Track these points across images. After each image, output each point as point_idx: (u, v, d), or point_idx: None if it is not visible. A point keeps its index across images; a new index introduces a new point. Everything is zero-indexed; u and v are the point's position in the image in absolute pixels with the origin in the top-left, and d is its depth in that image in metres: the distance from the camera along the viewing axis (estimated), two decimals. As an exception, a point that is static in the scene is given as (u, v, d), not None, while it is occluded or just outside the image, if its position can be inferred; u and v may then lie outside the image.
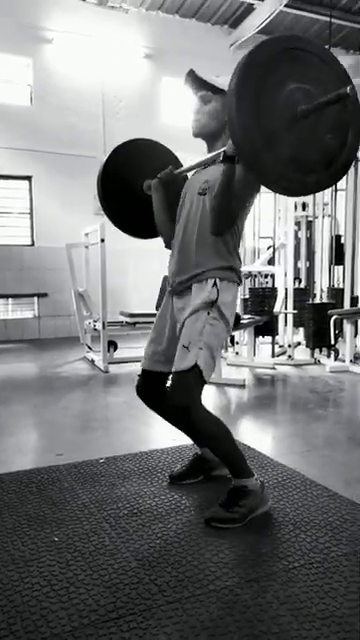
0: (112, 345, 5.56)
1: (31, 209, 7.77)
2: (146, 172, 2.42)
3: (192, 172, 2.28)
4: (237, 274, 2.14)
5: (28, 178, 7.70)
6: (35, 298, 7.81)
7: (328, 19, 7.71)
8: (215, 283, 2.07)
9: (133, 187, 2.44)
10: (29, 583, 1.68)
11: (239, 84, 1.64)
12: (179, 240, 2.18)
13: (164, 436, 3.20)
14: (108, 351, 5.38)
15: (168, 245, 2.32)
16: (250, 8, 8.14)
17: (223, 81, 2.07)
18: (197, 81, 2.12)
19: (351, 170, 5.62)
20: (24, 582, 1.68)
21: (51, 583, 1.68)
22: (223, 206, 1.99)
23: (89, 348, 6.01)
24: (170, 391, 2.10)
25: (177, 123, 8.39)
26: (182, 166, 2.42)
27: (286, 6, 7.84)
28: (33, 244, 7.78)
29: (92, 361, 5.65)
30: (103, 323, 5.30)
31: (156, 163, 2.40)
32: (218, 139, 2.14)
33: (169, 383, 2.14)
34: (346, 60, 8.43)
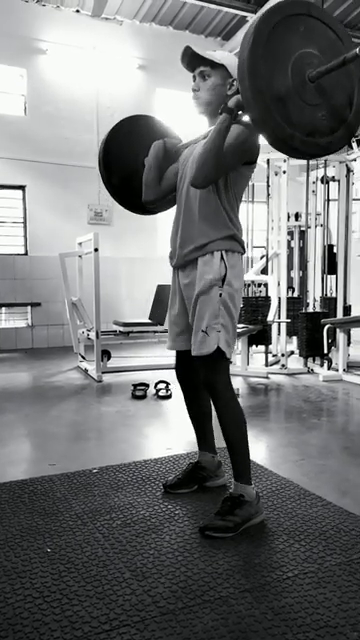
0: (106, 354, 5.55)
1: (25, 218, 7.78)
2: (147, 147, 2.41)
3: (187, 146, 2.29)
4: (241, 243, 2.15)
5: (22, 187, 7.71)
6: (28, 307, 7.79)
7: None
8: (222, 257, 2.08)
9: (134, 161, 2.44)
10: (21, 595, 1.66)
11: (257, 33, 1.65)
12: (181, 212, 2.20)
13: (158, 445, 3.19)
14: (102, 360, 5.37)
15: (148, 202, 2.37)
16: (243, 20, 8.21)
17: (220, 56, 2.11)
18: (195, 58, 2.11)
19: (342, 180, 5.67)
20: (16, 594, 1.67)
21: (43, 595, 1.66)
22: (211, 152, 1.94)
23: (82, 357, 6.00)
24: (199, 372, 2.19)
25: (171, 133, 8.45)
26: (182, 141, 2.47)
27: (278, 19, 7.93)
28: (27, 253, 7.77)
29: (85, 370, 5.64)
30: (97, 332, 5.30)
31: (158, 138, 2.43)
32: (215, 112, 2.11)
33: (196, 364, 2.19)
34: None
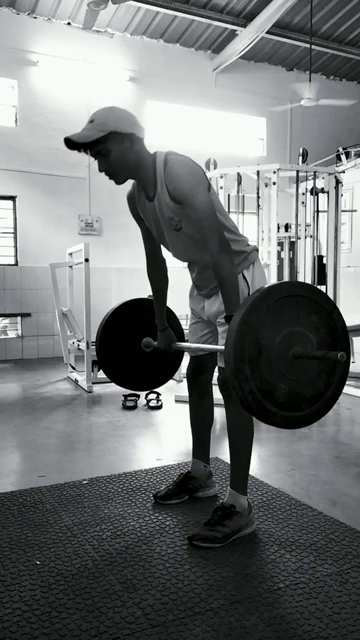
0: (96, 365, 5.53)
1: (15, 229, 7.76)
2: (144, 330, 2.51)
3: (138, 198, 2.18)
4: (248, 248, 2.16)
5: (12, 198, 7.70)
6: (18, 318, 7.75)
7: (308, 45, 7.91)
8: (243, 277, 2.11)
9: (132, 345, 2.51)
10: (10, 608, 1.64)
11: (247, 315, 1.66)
12: (189, 264, 2.26)
13: (148, 456, 3.17)
14: (92, 371, 5.35)
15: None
16: (232, 34, 8.31)
17: (104, 118, 1.93)
18: (84, 145, 1.92)
19: (332, 192, 5.72)
20: (4, 607, 1.64)
21: (32, 608, 1.64)
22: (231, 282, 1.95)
23: (73, 368, 5.97)
24: (221, 382, 2.17)
25: (161, 145, 8.43)
26: (174, 314, 2.57)
27: (268, 32, 8.03)
28: (17, 264, 7.75)
29: (76, 381, 5.61)
30: (87, 343, 5.28)
31: (150, 317, 2.46)
32: (140, 167, 2.01)
33: (218, 375, 2.20)
34: (326, 85, 8.64)
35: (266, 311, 1.68)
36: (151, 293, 2.47)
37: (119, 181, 2.04)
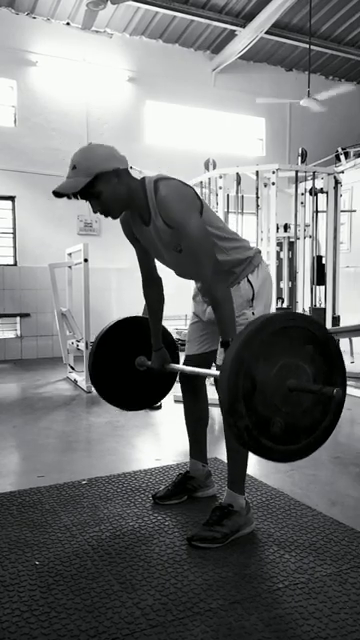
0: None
1: (14, 229, 7.75)
2: (138, 349, 2.49)
3: (133, 221, 2.17)
4: (254, 256, 2.15)
5: (11, 198, 7.69)
6: (17, 318, 7.74)
7: (307, 46, 7.91)
8: (248, 280, 2.11)
9: (125, 363, 2.50)
10: (9, 608, 1.64)
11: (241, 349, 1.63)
12: (188, 278, 2.28)
13: (147, 456, 3.17)
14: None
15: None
16: (232, 34, 8.31)
17: (85, 161, 1.93)
18: (74, 194, 1.93)
19: (331, 192, 5.73)
20: (4, 607, 1.64)
21: (31, 608, 1.64)
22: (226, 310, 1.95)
23: (72, 368, 5.97)
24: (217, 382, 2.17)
25: (160, 145, 8.49)
26: (170, 335, 2.56)
27: (267, 33, 8.03)
28: (16, 264, 7.74)
29: (75, 381, 5.61)
30: (86, 343, 5.27)
31: (145, 335, 2.44)
32: (132, 198, 2.02)
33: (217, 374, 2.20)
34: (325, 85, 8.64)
35: (260, 345, 1.64)
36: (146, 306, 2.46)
37: (116, 216, 2.07)
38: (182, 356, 2.59)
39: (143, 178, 2.05)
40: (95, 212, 2.02)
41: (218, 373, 1.83)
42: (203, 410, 2.48)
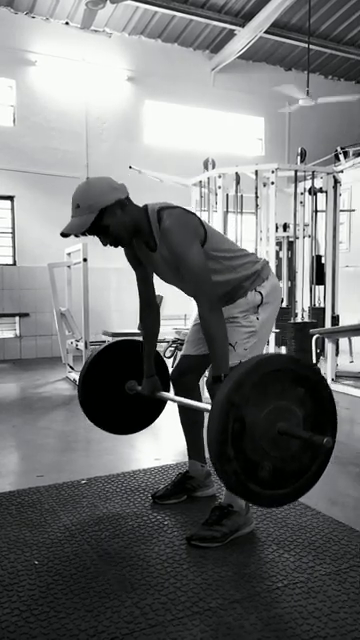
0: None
1: (13, 229, 7.75)
2: (128, 372, 2.49)
3: (138, 247, 2.20)
4: (262, 269, 2.16)
5: (10, 198, 7.69)
6: (16, 318, 7.74)
7: (306, 45, 7.90)
8: (258, 292, 2.13)
9: (116, 388, 2.50)
10: (8, 608, 1.64)
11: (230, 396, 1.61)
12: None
13: (147, 456, 3.17)
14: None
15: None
16: (231, 34, 8.31)
17: (87, 199, 1.96)
18: (82, 233, 1.98)
19: (330, 191, 5.73)
20: (3, 607, 1.64)
21: (31, 608, 1.64)
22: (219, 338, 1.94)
23: (71, 368, 5.97)
24: (209, 385, 2.15)
25: (159, 144, 8.49)
26: (164, 363, 2.55)
27: (266, 32, 8.03)
28: (15, 263, 7.74)
29: (74, 381, 5.60)
30: (85, 343, 5.27)
31: (137, 359, 2.43)
32: (138, 227, 2.06)
33: (207, 378, 2.18)
34: (324, 85, 8.63)
35: (251, 388, 1.62)
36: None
37: (126, 245, 2.12)
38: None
39: (146, 206, 2.08)
40: (105, 245, 2.07)
41: (208, 407, 1.80)
42: (198, 410, 2.46)
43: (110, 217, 1.98)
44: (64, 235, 1.98)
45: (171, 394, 2.43)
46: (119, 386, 2.49)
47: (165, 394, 2.42)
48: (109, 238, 2.04)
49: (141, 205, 2.09)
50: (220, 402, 1.61)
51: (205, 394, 2.31)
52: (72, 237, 2.07)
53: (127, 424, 2.58)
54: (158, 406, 2.58)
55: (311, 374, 1.75)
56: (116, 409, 2.51)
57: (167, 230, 1.98)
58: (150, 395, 2.40)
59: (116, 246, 2.10)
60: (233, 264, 2.12)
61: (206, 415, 2.25)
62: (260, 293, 2.13)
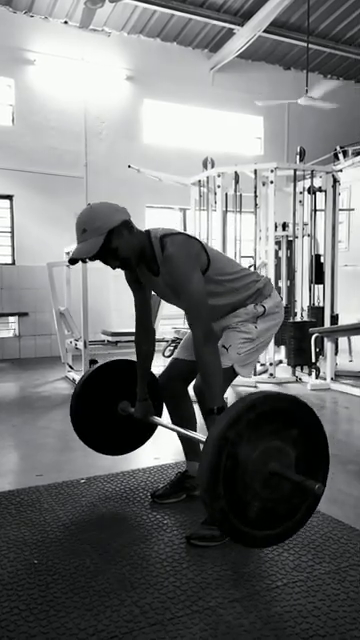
0: (94, 364, 5.48)
1: (12, 228, 7.74)
2: (122, 392, 2.49)
3: (140, 270, 2.22)
4: (264, 287, 2.18)
5: (9, 197, 7.68)
6: (15, 317, 7.74)
7: (305, 44, 7.90)
8: (262, 306, 2.17)
9: (109, 409, 2.50)
10: (7, 607, 1.64)
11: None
12: None
13: (146, 455, 3.17)
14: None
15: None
16: (230, 33, 8.30)
17: (93, 222, 1.96)
18: (89, 257, 1.98)
19: (329, 190, 5.73)
20: (2, 606, 1.64)
21: (30, 607, 1.64)
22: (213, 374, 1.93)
23: (70, 367, 5.96)
24: (197, 390, 2.20)
25: (159, 144, 8.48)
26: (154, 377, 2.50)
27: (265, 31, 8.03)
28: (14, 263, 7.74)
29: (73, 380, 5.60)
30: (85, 342, 5.27)
31: (132, 380, 2.43)
32: (142, 250, 2.07)
33: (195, 383, 2.22)
34: (324, 85, 8.63)
35: (245, 426, 1.61)
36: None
37: (134, 265, 2.11)
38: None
39: (148, 232, 2.09)
40: (114, 268, 2.08)
41: (203, 439, 1.79)
42: (189, 410, 2.44)
43: (118, 239, 1.98)
44: (73, 261, 1.99)
45: (164, 420, 2.43)
46: (111, 407, 2.50)
47: (157, 419, 2.42)
48: (118, 260, 2.04)
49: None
50: (214, 438, 1.60)
51: (193, 396, 2.31)
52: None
53: (117, 445, 2.60)
54: (150, 428, 2.59)
55: (307, 415, 1.74)
56: (107, 430, 2.52)
57: (170, 257, 1.99)
58: (143, 419, 2.40)
59: (124, 268, 2.13)
60: (236, 286, 2.15)
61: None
62: (263, 306, 2.16)
